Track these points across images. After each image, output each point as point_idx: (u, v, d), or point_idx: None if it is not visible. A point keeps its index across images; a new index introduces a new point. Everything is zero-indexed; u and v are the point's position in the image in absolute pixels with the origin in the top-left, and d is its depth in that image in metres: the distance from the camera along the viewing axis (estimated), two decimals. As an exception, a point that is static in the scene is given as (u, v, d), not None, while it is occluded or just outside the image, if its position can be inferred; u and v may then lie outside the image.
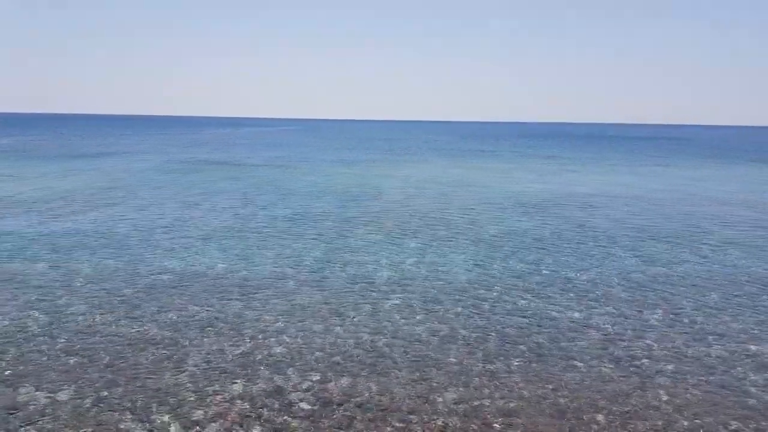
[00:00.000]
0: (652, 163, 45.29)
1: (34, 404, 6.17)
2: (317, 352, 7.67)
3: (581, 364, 7.48)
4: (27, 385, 6.59)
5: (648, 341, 8.26)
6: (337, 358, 7.50)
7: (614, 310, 9.51)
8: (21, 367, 7.03)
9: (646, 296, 10.29)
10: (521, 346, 7.99)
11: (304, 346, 7.89)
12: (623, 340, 8.28)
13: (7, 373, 6.89)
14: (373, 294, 10.16)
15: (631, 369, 7.36)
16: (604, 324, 8.89)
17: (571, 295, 10.30)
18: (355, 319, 8.91)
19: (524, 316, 9.16)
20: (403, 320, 8.89)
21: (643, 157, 52.11)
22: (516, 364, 7.43)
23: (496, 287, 10.66)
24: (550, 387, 6.82)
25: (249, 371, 7.08)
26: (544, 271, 11.82)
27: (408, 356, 7.60)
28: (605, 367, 7.40)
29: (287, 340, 8.06)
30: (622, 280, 11.25)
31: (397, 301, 9.77)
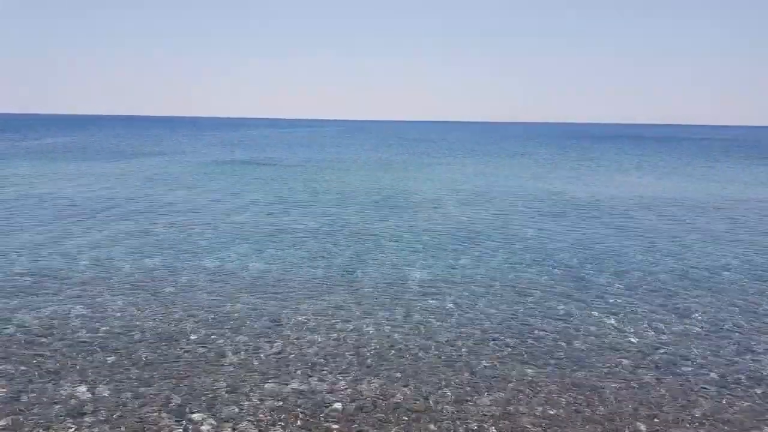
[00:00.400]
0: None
1: (75, 399, 6.35)
2: (350, 354, 7.71)
3: (621, 371, 7.32)
4: (69, 379, 6.79)
5: (692, 349, 8.04)
6: (370, 360, 7.52)
7: (656, 317, 9.28)
8: (63, 362, 7.26)
9: (688, 304, 10.02)
10: (559, 352, 7.87)
11: (337, 346, 7.93)
12: (664, 348, 8.07)
13: (49, 366, 7.11)
14: (407, 295, 10.15)
15: (673, 378, 7.17)
16: (644, 331, 8.68)
17: (612, 300, 10.09)
18: (388, 321, 8.91)
19: (562, 321, 9.02)
20: (437, 323, 8.86)
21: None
22: (553, 370, 7.32)
23: (533, 291, 10.53)
24: (589, 395, 6.70)
25: (283, 370, 7.15)
26: (585, 275, 11.62)
27: (442, 360, 7.56)
28: (646, 375, 7.23)
29: (320, 341, 8.11)
30: (665, 286, 10.97)
31: (431, 304, 9.74)
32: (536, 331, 8.58)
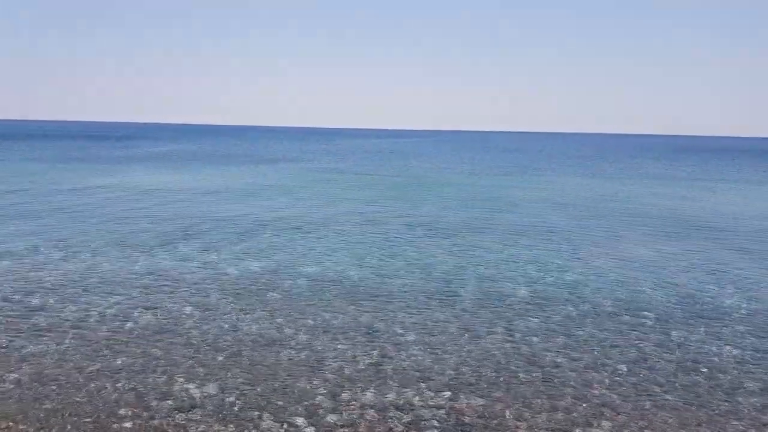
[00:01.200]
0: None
1: (185, 395, 6.78)
2: (448, 369, 7.65)
3: (745, 407, 6.73)
4: (179, 376, 7.26)
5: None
6: (469, 377, 7.42)
7: (791, 352, 8.45)
8: (174, 359, 7.77)
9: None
10: (675, 383, 7.37)
11: (434, 361, 7.90)
12: (802, 388, 7.32)
13: (162, 362, 7.64)
14: (509, 313, 9.93)
15: (813, 422, 6.48)
16: (777, 367, 7.93)
17: (738, 328, 9.32)
18: (488, 338, 8.76)
19: (680, 350, 8.44)
20: (541, 344, 8.59)
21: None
22: (668, 403, 6.87)
23: (648, 314, 9.95)
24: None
25: (380, 382, 7.23)
26: (706, 299, 10.84)
27: (546, 383, 7.32)
28: (779, 417, 6.59)
29: (418, 354, 8.12)
30: (802, 318, 9.97)
31: (535, 322, 9.47)
32: (651, 360, 8.09)
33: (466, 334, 8.92)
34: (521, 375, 7.54)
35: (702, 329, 9.30)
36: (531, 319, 9.65)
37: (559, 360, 8.03)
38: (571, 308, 10.22)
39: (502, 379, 7.42)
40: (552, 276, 12.37)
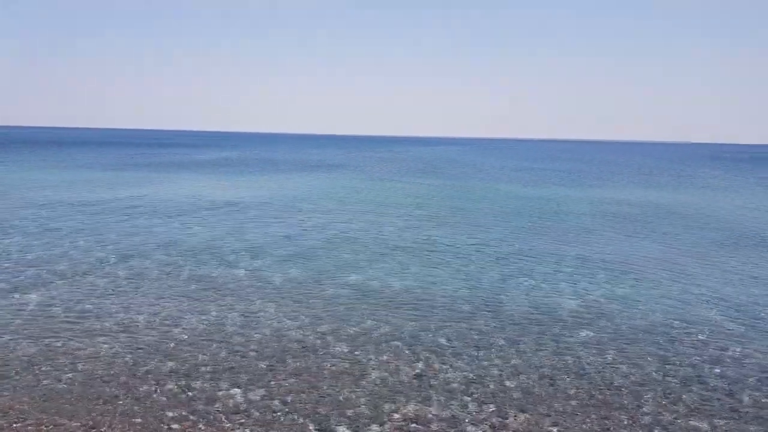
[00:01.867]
0: None
1: (230, 401, 6.94)
2: (493, 383, 7.59)
3: (814, 435, 6.45)
4: (225, 381, 7.44)
5: None
6: (516, 393, 7.34)
7: None
8: (220, 365, 7.96)
9: None
10: (729, 401, 7.12)
11: (479, 374, 7.85)
12: None
13: (208, 367, 7.84)
14: (556, 327, 9.79)
15: None
16: None
17: (801, 349, 8.94)
18: (535, 352, 8.66)
19: (735, 367, 8.15)
20: (590, 358, 8.44)
21: None
22: (721, 424, 6.64)
23: (702, 330, 9.65)
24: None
25: (424, 394, 7.23)
26: (761, 315, 10.44)
27: (594, 399, 7.18)
28: None
29: (462, 366, 8.09)
30: None
31: (584, 336, 9.30)
32: (706, 378, 7.84)
33: (512, 347, 8.83)
34: (570, 390, 7.42)
35: (758, 344, 8.95)
36: (580, 332, 9.48)
37: (609, 375, 7.87)
38: (622, 322, 10.00)
39: (549, 394, 7.32)
40: (603, 289, 12.13)
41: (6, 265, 13.02)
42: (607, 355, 8.57)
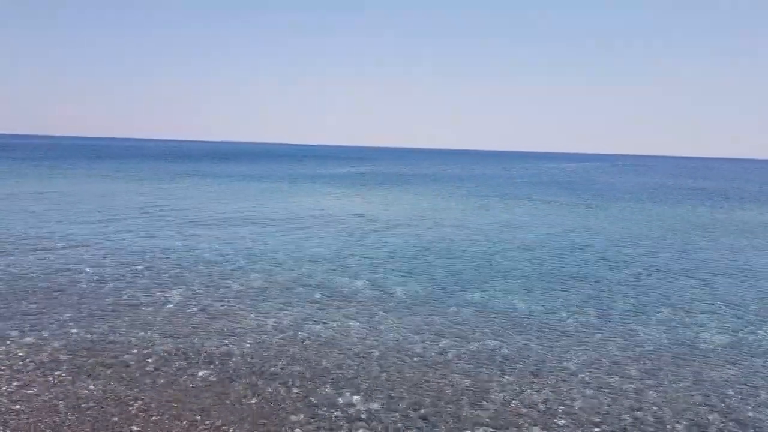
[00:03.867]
0: None
1: (351, 409, 7.19)
2: (626, 415, 7.23)
3: None
4: (346, 389, 7.72)
5: None
6: (650, 426, 6.94)
7: None
8: (342, 371, 8.28)
9: None
10: None
11: (611, 405, 7.52)
12: None
13: (331, 374, 8.18)
14: (697, 361, 9.13)
15: None
16: None
17: None
18: (673, 386, 8.14)
19: None
20: (737, 397, 7.79)
21: None
22: None
23: None
24: None
25: (549, 422, 7.05)
26: None
27: (743, 444, 6.62)
28: None
29: (591, 395, 7.79)
30: None
31: (731, 374, 8.60)
32: None
33: (647, 379, 8.36)
34: (711, 429, 6.90)
35: None
36: (726, 369, 8.78)
37: (759, 418, 7.21)
38: (779, 362, 9.12)
39: (687, 431, 6.85)
40: (755, 324, 11.13)
41: (151, 263, 14.38)
42: (759, 396, 7.85)
